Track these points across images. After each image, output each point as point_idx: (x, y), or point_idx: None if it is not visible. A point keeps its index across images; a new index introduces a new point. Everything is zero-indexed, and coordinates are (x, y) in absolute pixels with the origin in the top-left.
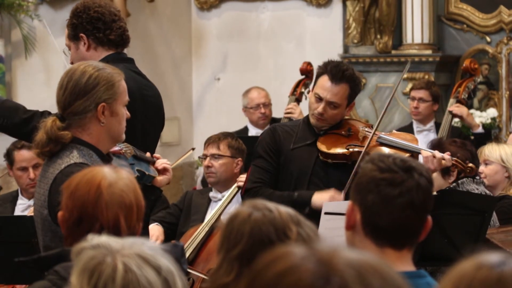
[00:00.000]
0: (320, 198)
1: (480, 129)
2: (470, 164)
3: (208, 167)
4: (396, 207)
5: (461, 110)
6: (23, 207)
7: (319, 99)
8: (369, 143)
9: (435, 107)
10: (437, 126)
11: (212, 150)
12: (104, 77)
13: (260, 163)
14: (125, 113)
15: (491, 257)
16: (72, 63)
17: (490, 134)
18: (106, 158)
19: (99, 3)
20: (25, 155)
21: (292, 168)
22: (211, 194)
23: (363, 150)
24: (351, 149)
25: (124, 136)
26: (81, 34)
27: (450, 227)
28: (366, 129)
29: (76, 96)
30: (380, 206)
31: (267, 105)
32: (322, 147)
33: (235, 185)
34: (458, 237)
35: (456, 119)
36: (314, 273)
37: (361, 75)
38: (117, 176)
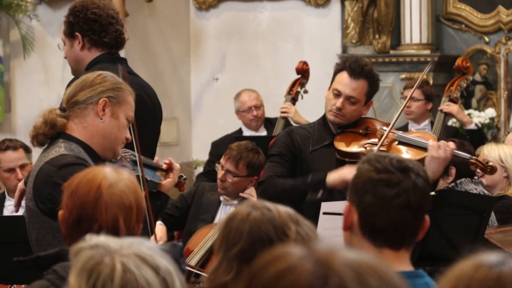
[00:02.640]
0: (336, 174)
1: (472, 125)
2: (491, 163)
3: (222, 180)
4: (393, 207)
5: (450, 108)
6: (13, 208)
7: (338, 94)
8: (383, 140)
9: (429, 106)
10: (433, 125)
11: (230, 167)
12: (113, 80)
13: (276, 159)
14: (126, 126)
15: (490, 257)
16: (66, 57)
17: (483, 132)
18: (98, 158)
19: (98, 4)
20: (11, 156)
21: (312, 171)
22: (222, 198)
23: (376, 147)
24: (368, 148)
25: (119, 152)
26: (77, 33)
27: (449, 227)
28: (384, 127)
29: (81, 88)
30: (377, 207)
31: (259, 106)
32: (339, 145)
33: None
34: (456, 237)
35: (454, 119)
36: (312, 273)
37: None
38: (118, 177)
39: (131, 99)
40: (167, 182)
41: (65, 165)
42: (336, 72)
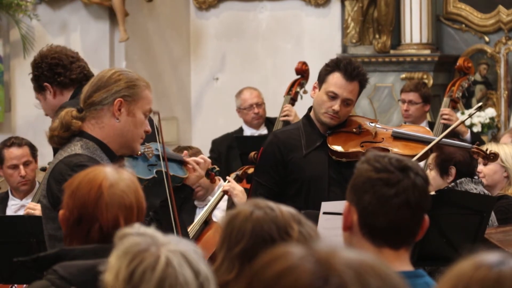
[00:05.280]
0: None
1: (468, 136)
2: (493, 150)
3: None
4: (393, 207)
5: (450, 115)
6: (16, 207)
7: (334, 97)
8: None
9: (426, 107)
10: (430, 125)
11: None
12: (128, 77)
13: (264, 179)
14: (144, 122)
15: (490, 257)
16: (46, 114)
17: (479, 141)
18: (114, 156)
19: (55, 50)
20: (15, 152)
21: (307, 174)
22: (196, 202)
23: (378, 146)
24: (365, 146)
25: (138, 148)
26: (45, 84)
27: (449, 226)
28: (374, 124)
29: (97, 88)
30: (376, 206)
31: (260, 104)
32: (335, 147)
33: (220, 190)
34: (456, 237)
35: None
36: (313, 273)
37: None
38: (119, 177)
39: (147, 93)
40: (193, 176)
41: (78, 166)
42: (326, 74)
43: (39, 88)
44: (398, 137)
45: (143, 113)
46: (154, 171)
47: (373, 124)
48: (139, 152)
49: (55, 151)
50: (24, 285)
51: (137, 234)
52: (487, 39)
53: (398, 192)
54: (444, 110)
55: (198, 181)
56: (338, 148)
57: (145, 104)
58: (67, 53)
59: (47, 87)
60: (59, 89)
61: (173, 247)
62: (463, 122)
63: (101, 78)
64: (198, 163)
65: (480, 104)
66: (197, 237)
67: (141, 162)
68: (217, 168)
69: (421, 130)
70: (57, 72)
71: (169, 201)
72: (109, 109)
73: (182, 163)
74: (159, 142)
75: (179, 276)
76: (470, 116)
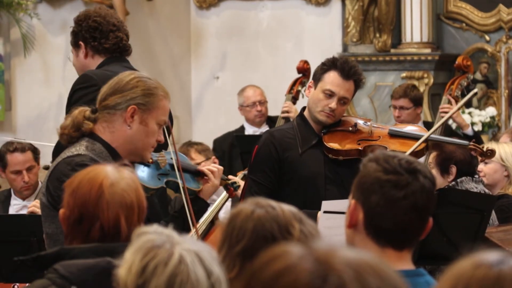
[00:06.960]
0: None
1: (469, 130)
2: (490, 147)
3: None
4: (400, 209)
5: (450, 108)
6: (18, 207)
7: (330, 95)
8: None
9: (419, 110)
10: (426, 125)
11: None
12: (147, 85)
13: (259, 177)
14: (156, 131)
15: (490, 256)
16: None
17: (479, 137)
18: (121, 159)
19: (99, 13)
20: (18, 158)
21: (303, 173)
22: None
23: (375, 144)
24: (363, 144)
25: (148, 156)
26: (80, 42)
27: (449, 225)
28: (368, 123)
29: (113, 91)
30: (384, 208)
31: (263, 102)
32: (332, 145)
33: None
34: (457, 236)
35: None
36: (312, 272)
37: None
38: (120, 176)
39: (165, 103)
40: (207, 187)
41: (79, 165)
42: (323, 72)
43: (74, 44)
44: (395, 135)
45: (157, 123)
46: (164, 180)
47: (368, 124)
48: (151, 160)
49: (56, 149)
50: (23, 284)
51: (154, 232)
52: (487, 38)
53: (407, 195)
54: (444, 106)
55: (213, 193)
56: (335, 146)
57: (160, 115)
58: (110, 20)
59: (81, 45)
60: (91, 51)
61: (187, 246)
62: (459, 109)
63: (119, 82)
64: (212, 172)
65: (475, 90)
66: (203, 237)
67: (151, 170)
68: (238, 183)
69: (415, 129)
70: (94, 36)
71: (187, 210)
72: (121, 115)
73: (196, 174)
74: (173, 152)
75: (191, 274)
76: (470, 99)
